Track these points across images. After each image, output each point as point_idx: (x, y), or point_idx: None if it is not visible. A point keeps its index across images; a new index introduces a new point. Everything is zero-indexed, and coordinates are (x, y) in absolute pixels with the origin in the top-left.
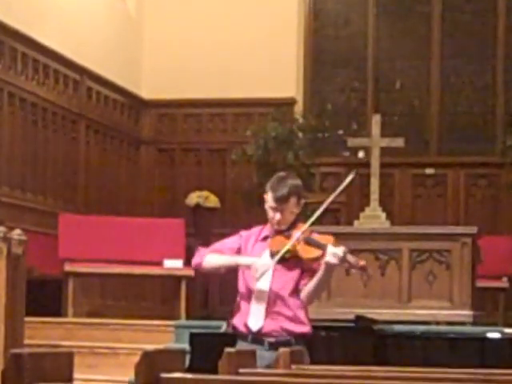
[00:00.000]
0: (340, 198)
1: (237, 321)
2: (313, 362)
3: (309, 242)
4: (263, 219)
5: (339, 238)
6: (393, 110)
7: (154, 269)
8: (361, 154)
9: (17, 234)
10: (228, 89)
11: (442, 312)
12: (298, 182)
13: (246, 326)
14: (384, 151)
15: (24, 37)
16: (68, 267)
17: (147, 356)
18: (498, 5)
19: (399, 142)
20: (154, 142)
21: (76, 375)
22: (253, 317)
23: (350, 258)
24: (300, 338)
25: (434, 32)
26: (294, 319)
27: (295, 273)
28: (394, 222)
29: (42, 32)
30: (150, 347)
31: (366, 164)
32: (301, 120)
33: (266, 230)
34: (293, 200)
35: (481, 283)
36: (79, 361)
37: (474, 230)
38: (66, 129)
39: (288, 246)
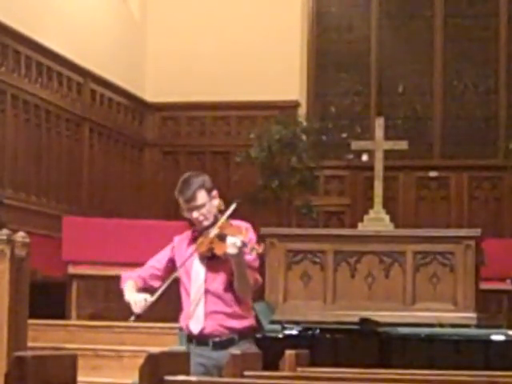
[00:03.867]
0: (344, 200)
1: (182, 323)
2: (318, 365)
3: (222, 237)
4: (267, 221)
5: (344, 241)
6: (396, 113)
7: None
8: (364, 157)
9: (20, 236)
10: (232, 92)
11: (445, 314)
12: (202, 177)
13: (188, 327)
14: (387, 154)
15: (27, 39)
16: (71, 270)
17: (151, 358)
18: (500, 9)
19: (403, 145)
20: (157, 145)
21: (79, 378)
22: (193, 320)
23: (249, 245)
24: (244, 333)
25: (437, 36)
26: (234, 315)
27: (226, 268)
28: (398, 225)
29: (45, 35)
30: (154, 350)
31: (370, 167)
32: (304, 123)
33: (195, 231)
34: (201, 194)
35: (484, 285)
36: (83, 363)
37: (477, 232)
38: (70, 131)
39: (205, 243)
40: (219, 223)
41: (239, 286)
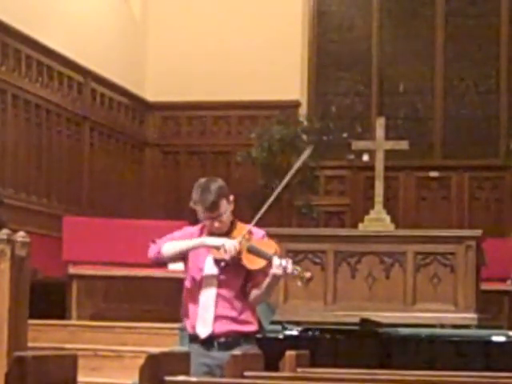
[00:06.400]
0: (345, 200)
1: (187, 322)
2: (318, 365)
3: (252, 250)
4: (267, 221)
5: (344, 241)
6: (397, 113)
7: (158, 271)
8: (365, 157)
9: (21, 236)
10: (232, 91)
11: (446, 315)
12: (220, 182)
13: (194, 328)
14: (388, 154)
15: (28, 39)
16: (72, 270)
17: (152, 359)
18: (502, 8)
19: (403, 145)
20: (158, 145)
21: (80, 378)
22: (201, 323)
23: (295, 270)
24: (249, 335)
25: (438, 35)
26: (242, 321)
27: (241, 275)
28: (399, 225)
29: (46, 34)
30: (154, 350)
31: (371, 167)
32: (305, 123)
33: (207, 231)
34: (223, 203)
35: (485, 286)
36: (83, 364)
37: (478, 232)
38: (70, 131)
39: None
40: (245, 234)
41: (262, 297)
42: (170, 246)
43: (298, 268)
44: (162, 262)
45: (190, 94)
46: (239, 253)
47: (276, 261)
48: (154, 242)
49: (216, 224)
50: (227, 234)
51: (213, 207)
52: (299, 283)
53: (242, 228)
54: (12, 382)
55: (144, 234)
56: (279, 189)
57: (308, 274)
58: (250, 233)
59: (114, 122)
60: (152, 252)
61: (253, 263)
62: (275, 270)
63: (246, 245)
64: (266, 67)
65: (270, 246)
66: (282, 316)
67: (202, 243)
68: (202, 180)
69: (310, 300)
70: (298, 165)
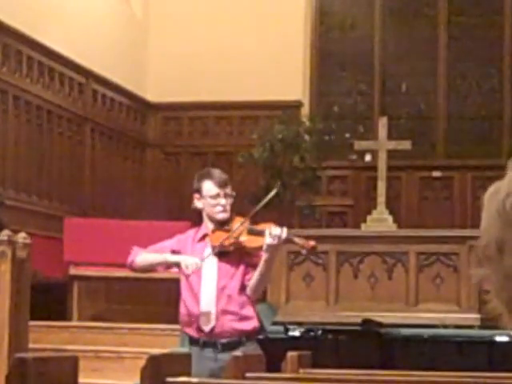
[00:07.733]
0: (347, 200)
1: (186, 326)
2: (320, 366)
3: (251, 231)
4: (269, 222)
5: (346, 241)
6: (399, 112)
7: (159, 272)
8: (368, 157)
9: (21, 237)
10: (234, 91)
11: (449, 315)
12: None
13: (196, 330)
14: (391, 154)
15: (29, 40)
16: (73, 271)
17: (153, 360)
18: (505, 7)
19: (406, 145)
20: (159, 145)
21: (80, 379)
22: (204, 318)
23: (296, 238)
24: (251, 334)
25: (441, 35)
26: (244, 317)
27: (240, 268)
28: (401, 225)
29: (47, 35)
30: (155, 351)
31: (373, 167)
32: (307, 123)
33: (203, 229)
34: (229, 185)
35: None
36: (84, 365)
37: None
38: (72, 132)
39: (230, 237)
40: (246, 218)
41: (259, 284)
42: (143, 257)
43: (301, 239)
44: (136, 271)
45: (191, 94)
46: (239, 236)
47: (267, 232)
48: (133, 248)
49: (222, 201)
50: (227, 223)
51: (224, 182)
52: (304, 252)
53: (238, 220)
54: (13, 383)
55: (145, 235)
56: (250, 214)
57: (312, 243)
58: (249, 222)
59: (115, 122)
60: (128, 260)
61: (251, 242)
62: (268, 240)
63: (245, 229)
64: (267, 67)
65: (268, 226)
66: (284, 317)
67: (165, 259)
68: (203, 170)
69: (312, 300)
70: (264, 202)
